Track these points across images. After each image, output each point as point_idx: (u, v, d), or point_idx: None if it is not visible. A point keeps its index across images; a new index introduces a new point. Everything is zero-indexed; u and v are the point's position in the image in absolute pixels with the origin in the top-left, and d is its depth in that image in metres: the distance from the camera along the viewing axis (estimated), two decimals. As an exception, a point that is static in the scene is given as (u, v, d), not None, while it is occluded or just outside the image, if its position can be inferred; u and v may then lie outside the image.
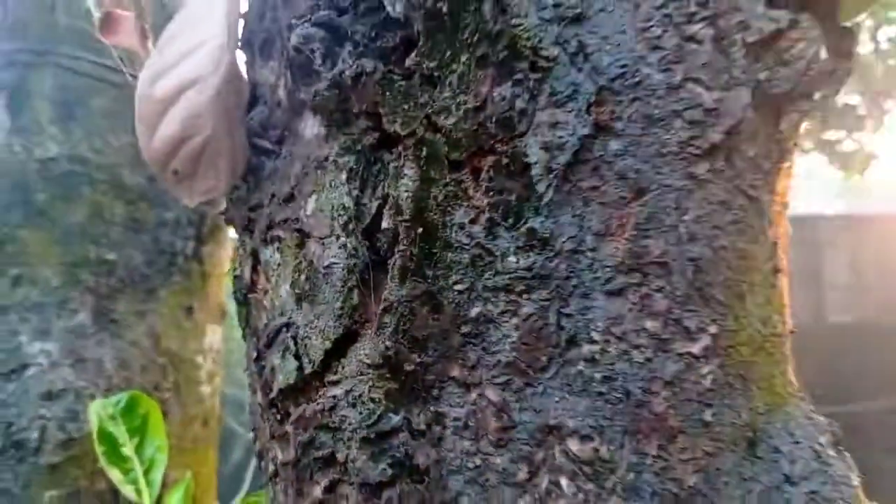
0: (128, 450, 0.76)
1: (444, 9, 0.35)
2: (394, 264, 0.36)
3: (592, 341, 0.33)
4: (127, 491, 0.75)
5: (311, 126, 0.40)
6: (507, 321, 0.34)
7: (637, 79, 0.33)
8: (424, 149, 0.36)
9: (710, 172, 0.33)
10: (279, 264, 0.41)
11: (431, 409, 0.35)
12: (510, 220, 0.35)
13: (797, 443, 0.36)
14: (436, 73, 0.36)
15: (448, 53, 0.35)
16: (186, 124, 0.40)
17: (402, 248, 0.36)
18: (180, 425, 1.01)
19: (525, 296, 0.34)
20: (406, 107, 0.36)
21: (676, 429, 0.33)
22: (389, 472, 0.35)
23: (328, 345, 0.37)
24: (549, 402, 0.34)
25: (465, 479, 0.34)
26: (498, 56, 0.35)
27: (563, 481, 0.33)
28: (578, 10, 0.34)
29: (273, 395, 0.40)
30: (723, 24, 0.33)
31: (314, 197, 0.39)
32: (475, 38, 0.35)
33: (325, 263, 0.38)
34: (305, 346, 0.38)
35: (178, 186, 0.41)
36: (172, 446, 0.84)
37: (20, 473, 0.87)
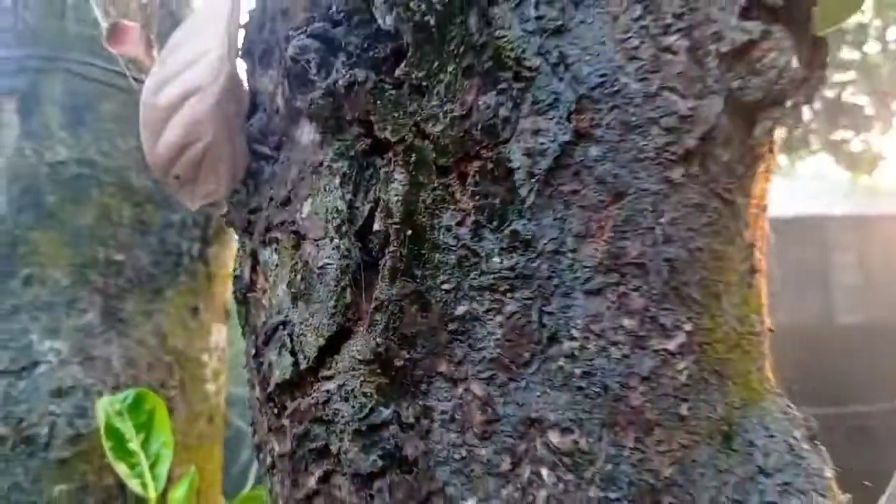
0: (134, 445, 0.78)
1: (432, 22, 0.37)
2: (384, 265, 0.38)
3: (572, 338, 0.35)
4: (133, 485, 0.77)
5: (307, 133, 0.42)
6: (491, 319, 0.36)
7: (615, 87, 0.35)
8: (413, 155, 0.38)
9: (686, 177, 0.35)
10: (276, 265, 0.43)
11: (420, 402, 0.37)
12: (495, 223, 0.36)
13: (772, 436, 0.37)
14: (424, 83, 0.37)
15: (436, 64, 0.37)
16: (188, 131, 0.42)
17: (392, 249, 0.38)
18: (186, 422, 1.03)
19: (509, 295, 0.36)
20: (396, 115, 0.38)
21: (653, 422, 0.35)
22: (380, 463, 0.37)
23: (322, 342, 0.39)
24: (531, 397, 0.35)
25: (451, 470, 0.36)
26: (483, 66, 0.36)
27: (545, 472, 0.35)
28: (560, 23, 0.36)
29: (270, 389, 0.41)
30: (697, 35, 0.35)
31: (310, 200, 0.41)
32: (461, 49, 0.37)
33: (320, 264, 0.40)
34: (301, 342, 0.40)
35: (180, 190, 0.43)
36: (178, 442, 0.86)
37: (30, 468, 0.89)
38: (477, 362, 0.36)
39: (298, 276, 0.41)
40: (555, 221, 0.35)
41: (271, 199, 0.44)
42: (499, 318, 0.36)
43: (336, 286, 0.39)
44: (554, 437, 0.35)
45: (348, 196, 0.39)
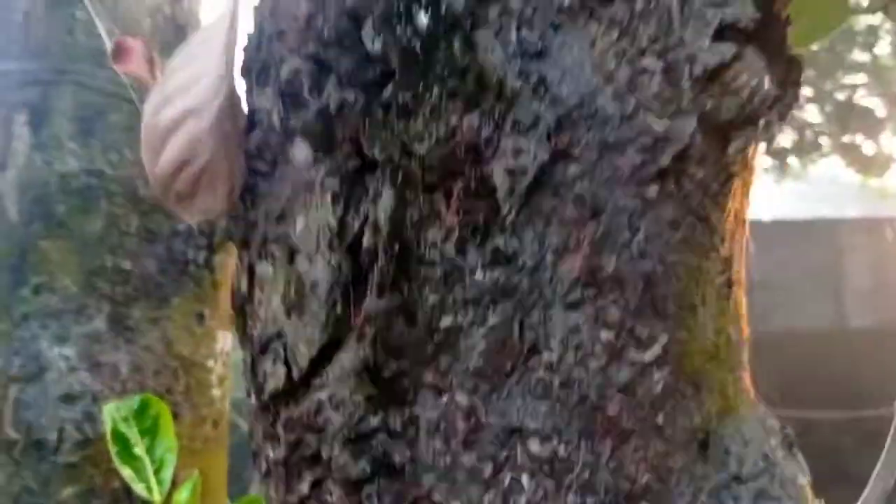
0: (139, 450, 0.80)
1: (418, 47, 0.38)
2: (373, 279, 0.39)
3: (552, 350, 0.36)
4: (138, 489, 0.79)
5: (300, 151, 0.44)
6: (475, 331, 0.38)
7: (593, 109, 0.36)
8: (401, 173, 0.39)
9: (661, 194, 0.36)
10: (272, 278, 0.44)
11: (407, 412, 0.39)
12: (478, 239, 0.38)
13: (747, 445, 0.38)
14: (410, 105, 0.39)
15: (422, 86, 0.39)
16: (187, 149, 0.44)
17: (380, 264, 0.39)
18: (191, 426, 1.05)
19: (491, 308, 0.37)
20: (384, 135, 0.39)
21: (629, 431, 0.36)
22: (369, 469, 0.38)
23: (314, 352, 0.40)
24: (512, 406, 0.37)
25: (436, 476, 0.37)
26: (467, 89, 0.38)
27: (525, 478, 0.36)
28: (540, 47, 0.37)
29: (265, 398, 0.43)
30: (672, 58, 0.36)
31: (303, 216, 0.43)
32: (446, 72, 0.38)
33: (312, 278, 0.41)
34: (294, 353, 0.41)
35: (178, 205, 0.45)
36: (184, 447, 0.87)
37: (40, 472, 0.91)
38: (461, 373, 0.38)
39: (292, 289, 0.42)
40: (535, 237, 0.37)
41: (267, 214, 0.46)
42: (482, 331, 0.37)
43: (327, 299, 0.40)
44: (534, 446, 0.36)
45: (339, 213, 0.41)
